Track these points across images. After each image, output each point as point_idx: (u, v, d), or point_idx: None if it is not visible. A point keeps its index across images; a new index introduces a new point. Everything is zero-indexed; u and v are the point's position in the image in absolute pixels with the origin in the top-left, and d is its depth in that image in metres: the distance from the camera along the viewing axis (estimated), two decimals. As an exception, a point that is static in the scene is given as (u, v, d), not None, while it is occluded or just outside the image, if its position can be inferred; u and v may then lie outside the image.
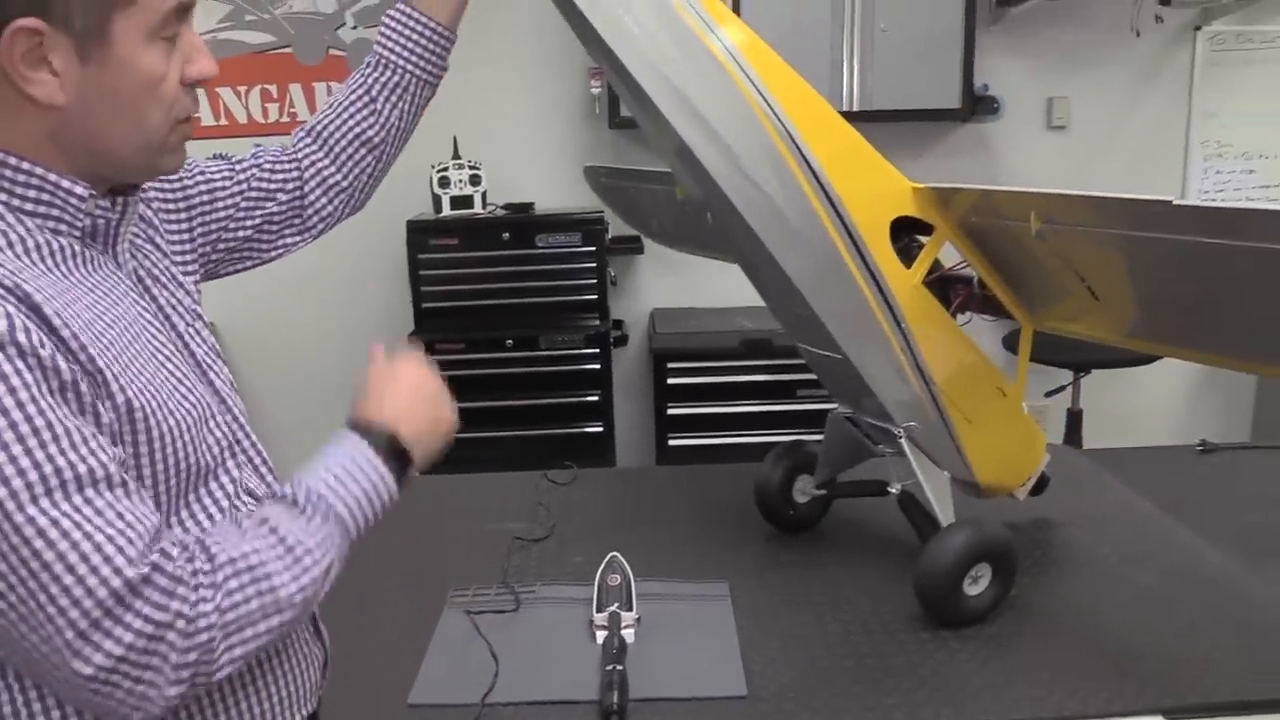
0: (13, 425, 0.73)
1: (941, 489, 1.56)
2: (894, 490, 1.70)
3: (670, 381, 3.50)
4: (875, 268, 1.44)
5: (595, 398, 3.53)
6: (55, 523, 0.74)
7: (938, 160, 3.86)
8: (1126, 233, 1.21)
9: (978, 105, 3.66)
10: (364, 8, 3.77)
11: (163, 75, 0.89)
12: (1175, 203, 1.09)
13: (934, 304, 1.51)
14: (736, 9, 3.40)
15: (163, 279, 1.03)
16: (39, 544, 0.73)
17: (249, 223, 1.23)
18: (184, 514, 0.91)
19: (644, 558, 1.64)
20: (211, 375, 1.01)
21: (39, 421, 0.74)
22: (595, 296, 3.53)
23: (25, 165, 0.85)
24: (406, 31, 1.29)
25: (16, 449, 0.73)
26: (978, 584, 1.48)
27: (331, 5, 3.76)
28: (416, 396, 1.04)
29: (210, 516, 0.93)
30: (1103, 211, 1.22)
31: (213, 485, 0.94)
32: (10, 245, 0.84)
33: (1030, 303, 1.52)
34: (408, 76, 1.29)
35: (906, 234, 1.53)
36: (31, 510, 0.73)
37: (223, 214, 1.20)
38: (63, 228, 0.88)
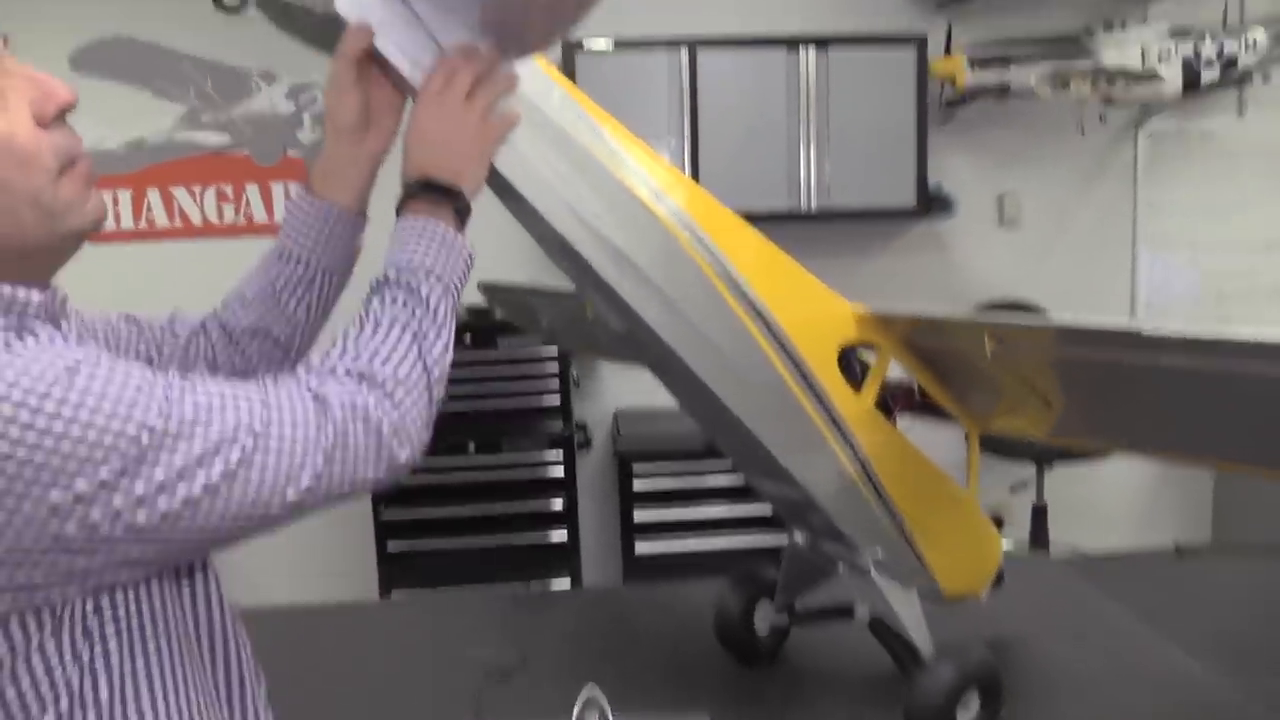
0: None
1: (914, 613, 1.52)
2: (861, 613, 1.66)
3: (636, 486, 3.45)
4: (826, 398, 1.41)
5: (559, 504, 3.47)
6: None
7: (894, 258, 3.91)
8: (1090, 357, 1.21)
9: (932, 204, 3.73)
10: (322, 110, 3.78)
11: (8, 135, 0.80)
12: (1145, 333, 1.09)
13: (885, 424, 1.50)
14: (694, 114, 3.45)
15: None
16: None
17: None
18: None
19: (620, 690, 1.57)
20: None
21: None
22: (558, 399, 3.49)
23: None
24: (309, 221, 1.17)
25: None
26: (968, 710, 1.45)
27: (289, 106, 3.77)
28: (444, 122, 1.06)
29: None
30: (1065, 339, 1.22)
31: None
32: None
33: (978, 410, 1.52)
34: (312, 269, 1.17)
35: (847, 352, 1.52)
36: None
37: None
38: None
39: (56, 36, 3.59)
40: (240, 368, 1.18)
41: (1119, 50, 3.56)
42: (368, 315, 0.96)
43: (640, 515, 3.45)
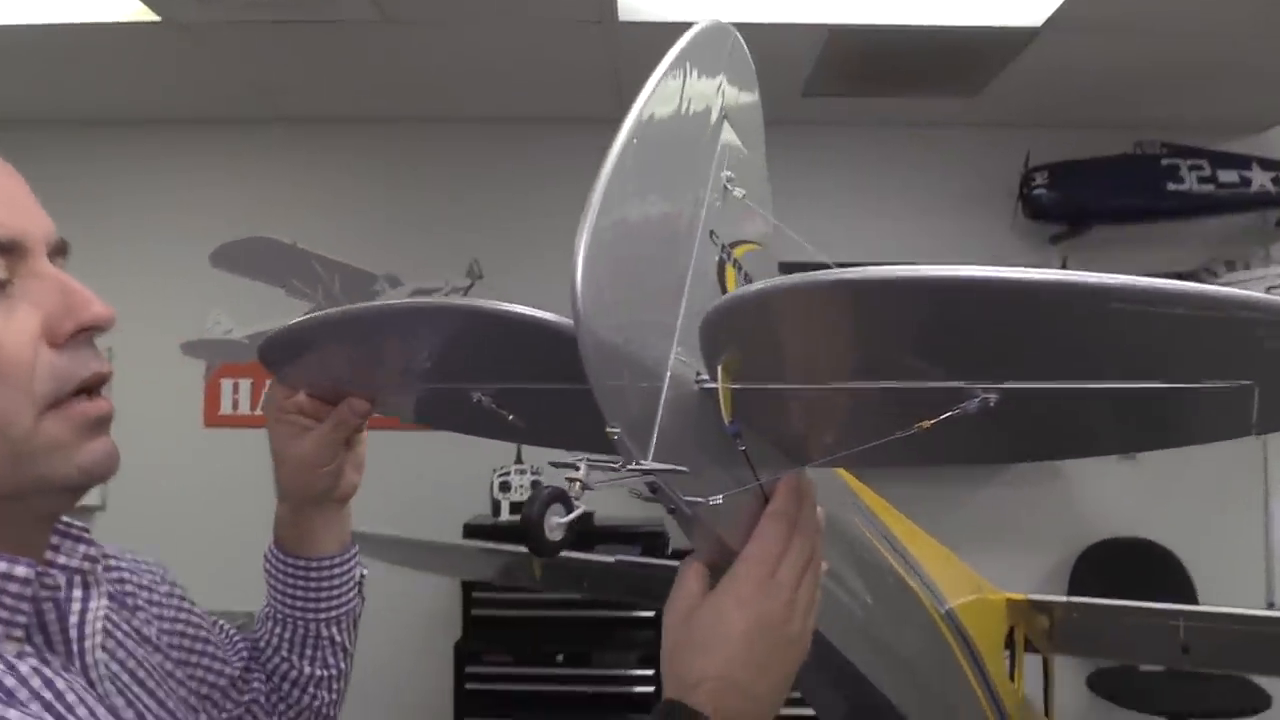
0: None
1: None
2: None
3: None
4: (1000, 701, 1.31)
5: (646, 724, 3.29)
6: None
7: (1002, 490, 3.76)
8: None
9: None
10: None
11: (6, 339, 0.64)
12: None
13: (1030, 704, 1.43)
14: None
15: (146, 683, 0.78)
16: None
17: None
18: None
19: None
20: None
21: None
22: (652, 613, 3.38)
23: None
24: (289, 579, 1.00)
25: None
26: None
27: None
28: (752, 639, 0.71)
29: None
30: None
31: None
32: None
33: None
34: (314, 628, 1.01)
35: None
36: None
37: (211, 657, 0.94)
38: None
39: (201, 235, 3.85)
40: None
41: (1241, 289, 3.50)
42: None
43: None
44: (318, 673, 1.02)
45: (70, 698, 0.64)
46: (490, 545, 1.79)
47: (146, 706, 0.76)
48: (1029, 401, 0.62)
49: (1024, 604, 1.38)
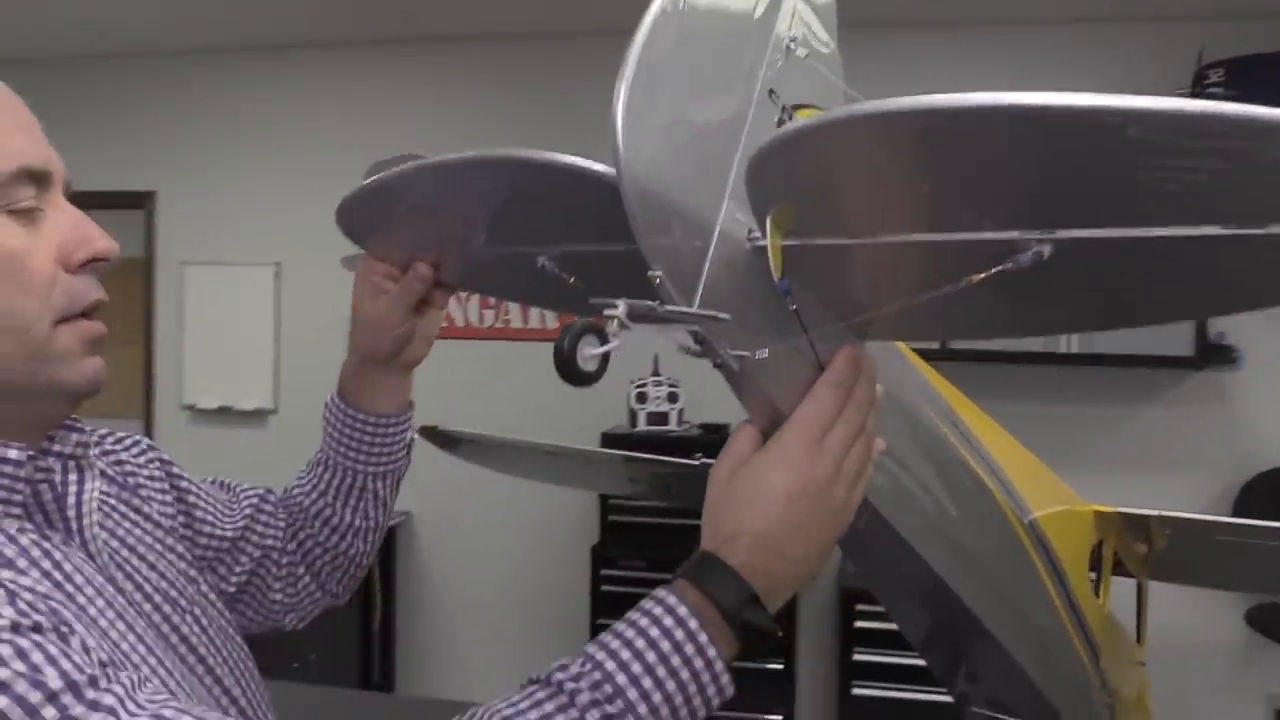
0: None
1: None
2: None
3: (858, 624, 3.27)
4: (1083, 615, 1.26)
5: (779, 666, 3.34)
6: None
7: (1166, 411, 3.57)
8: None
9: (1212, 353, 3.40)
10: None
11: (19, 252, 0.71)
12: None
13: (1118, 626, 1.40)
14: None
15: (147, 557, 0.84)
16: None
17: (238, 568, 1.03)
18: None
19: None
20: (212, 671, 0.85)
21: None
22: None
23: None
24: (349, 430, 1.05)
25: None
26: None
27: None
28: (793, 499, 0.70)
29: None
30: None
31: None
32: None
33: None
34: (360, 479, 1.06)
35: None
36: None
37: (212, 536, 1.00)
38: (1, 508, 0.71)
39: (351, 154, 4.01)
40: (295, 560, 1.08)
41: None
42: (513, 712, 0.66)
43: (860, 655, 3.25)
44: (357, 522, 1.07)
45: (68, 567, 0.71)
46: (560, 447, 1.80)
47: (145, 578, 0.82)
48: (1085, 255, 0.59)
49: (1114, 517, 1.31)
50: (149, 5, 3.73)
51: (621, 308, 0.61)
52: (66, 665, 0.59)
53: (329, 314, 4.21)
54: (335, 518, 1.07)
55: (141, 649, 0.74)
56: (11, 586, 0.62)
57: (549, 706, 0.65)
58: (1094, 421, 3.53)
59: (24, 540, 0.70)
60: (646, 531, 3.49)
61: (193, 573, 0.90)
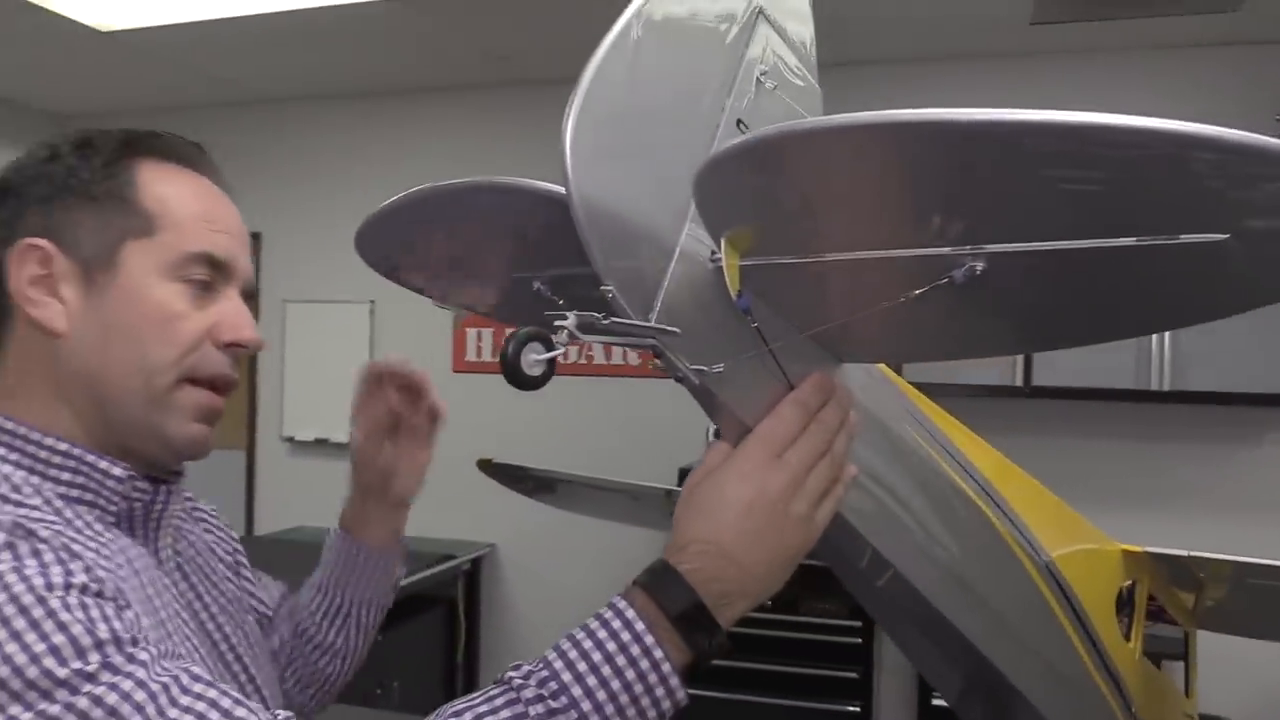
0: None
1: None
2: None
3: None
4: (1109, 659, 1.22)
5: (854, 675, 3.28)
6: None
7: (1269, 451, 3.40)
8: None
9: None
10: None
11: (178, 314, 0.81)
12: None
13: (1150, 669, 1.33)
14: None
15: (210, 578, 0.95)
16: None
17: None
18: None
19: None
20: (253, 687, 0.92)
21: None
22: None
23: (61, 445, 0.79)
24: (340, 557, 1.13)
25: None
26: None
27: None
28: (749, 509, 0.72)
29: None
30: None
31: None
32: (60, 514, 0.76)
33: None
34: (346, 602, 1.13)
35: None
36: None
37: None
38: (96, 511, 0.80)
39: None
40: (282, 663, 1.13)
41: None
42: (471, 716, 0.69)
43: (941, 701, 3.17)
44: (337, 643, 1.13)
45: (139, 564, 0.81)
46: (608, 480, 1.82)
47: (203, 590, 0.92)
48: (1018, 271, 0.60)
49: (1143, 557, 1.27)
50: (262, 59, 3.97)
51: (571, 319, 0.65)
52: (116, 625, 0.68)
53: (420, 349, 4.38)
54: (319, 635, 1.13)
55: (191, 643, 0.83)
56: (90, 560, 0.71)
57: (499, 701, 0.68)
58: (1187, 460, 3.39)
59: (109, 535, 0.80)
60: (715, 705, 3.45)
61: (235, 594, 0.98)
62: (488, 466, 2.09)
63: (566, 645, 0.70)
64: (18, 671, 0.63)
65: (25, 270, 0.80)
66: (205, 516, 1.04)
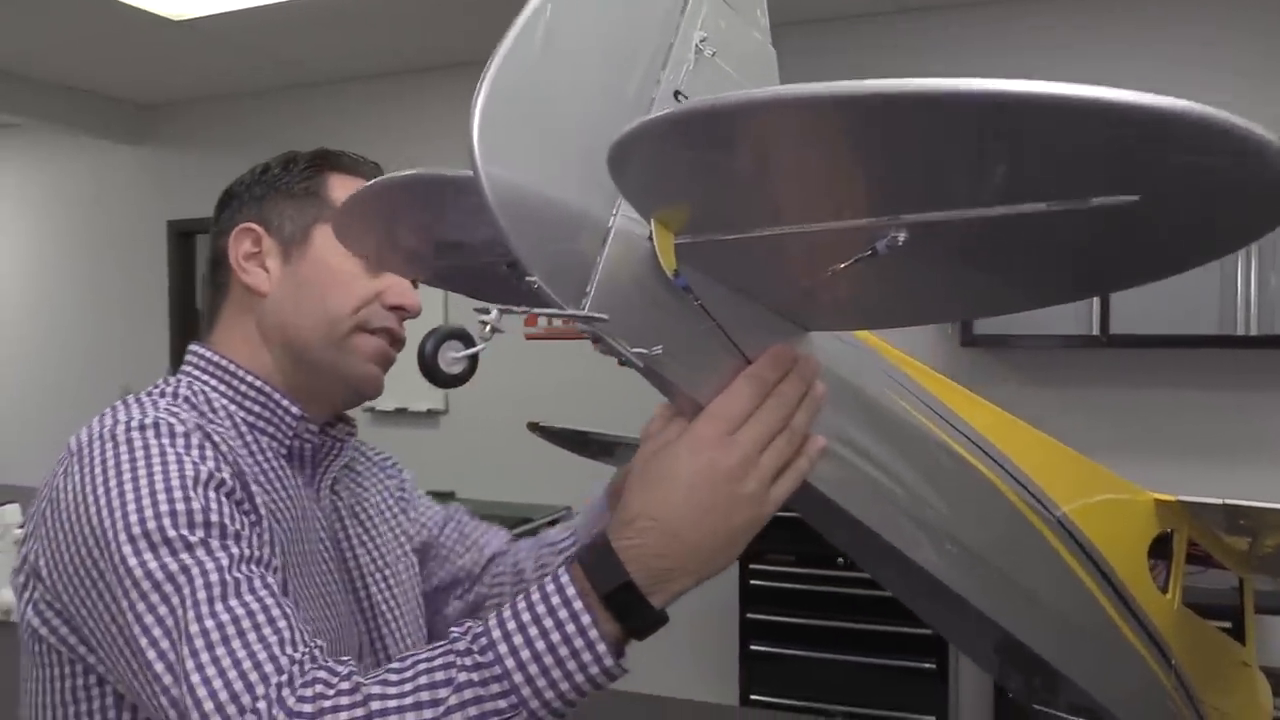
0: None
1: None
2: None
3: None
4: (1144, 616, 1.17)
5: (930, 631, 3.24)
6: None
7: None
8: None
9: None
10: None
11: (354, 275, 1.00)
12: None
13: (1194, 620, 1.26)
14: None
15: (366, 524, 1.10)
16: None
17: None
18: None
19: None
20: (381, 622, 1.05)
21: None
22: (934, 520, 3.30)
23: (256, 382, 1.00)
24: (592, 520, 1.17)
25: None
26: None
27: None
28: (695, 486, 0.72)
29: None
30: None
31: None
32: (241, 436, 0.96)
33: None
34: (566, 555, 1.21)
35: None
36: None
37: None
38: (273, 442, 0.99)
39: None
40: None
41: None
42: (413, 667, 0.72)
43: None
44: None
45: (293, 492, 0.98)
46: None
47: (357, 532, 1.08)
48: (940, 241, 0.58)
49: (1177, 506, 1.21)
50: (324, 40, 4.04)
51: (494, 313, 0.64)
52: (228, 518, 0.83)
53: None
54: (525, 569, 1.22)
55: (325, 565, 0.99)
56: (240, 468, 0.89)
57: (437, 651, 0.74)
58: (1276, 408, 3.24)
59: (278, 463, 0.98)
60: (796, 526, 3.47)
61: (408, 551, 1.14)
62: (537, 429, 2.10)
63: (506, 613, 0.73)
64: (143, 520, 0.79)
65: (241, 247, 1.01)
66: (389, 465, 1.21)
